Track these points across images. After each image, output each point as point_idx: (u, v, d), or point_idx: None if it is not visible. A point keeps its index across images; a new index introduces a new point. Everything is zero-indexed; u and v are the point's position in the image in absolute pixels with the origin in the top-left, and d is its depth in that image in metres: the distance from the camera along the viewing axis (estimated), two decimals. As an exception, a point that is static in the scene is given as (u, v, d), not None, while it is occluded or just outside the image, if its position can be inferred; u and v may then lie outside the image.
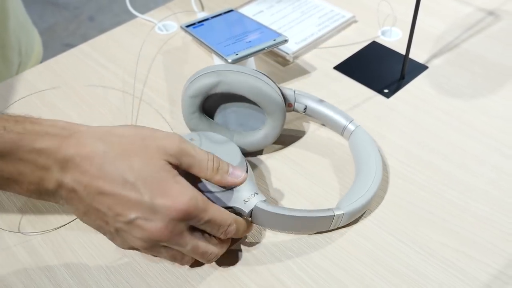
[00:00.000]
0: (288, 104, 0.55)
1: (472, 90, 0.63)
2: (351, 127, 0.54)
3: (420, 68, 0.66)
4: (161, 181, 0.41)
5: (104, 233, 0.43)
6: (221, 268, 0.46)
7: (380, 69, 0.67)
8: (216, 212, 0.43)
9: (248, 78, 0.51)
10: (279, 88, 0.53)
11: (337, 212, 0.46)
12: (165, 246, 0.42)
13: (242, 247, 0.47)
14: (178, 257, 0.44)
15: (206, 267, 0.46)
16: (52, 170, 0.40)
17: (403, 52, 0.63)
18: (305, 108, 0.56)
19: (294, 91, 0.55)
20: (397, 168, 0.54)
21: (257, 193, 0.46)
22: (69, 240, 0.48)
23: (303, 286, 0.44)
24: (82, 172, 0.40)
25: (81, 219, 0.43)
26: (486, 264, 0.45)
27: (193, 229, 0.43)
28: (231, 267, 0.46)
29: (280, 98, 0.52)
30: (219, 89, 0.51)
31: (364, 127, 0.58)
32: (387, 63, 0.67)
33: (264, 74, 0.52)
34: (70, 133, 0.41)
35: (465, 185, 0.52)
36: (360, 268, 0.46)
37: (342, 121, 0.55)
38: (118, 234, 0.42)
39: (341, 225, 0.48)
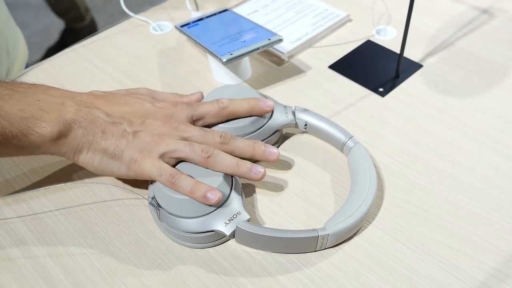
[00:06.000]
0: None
1: (467, 88, 0.63)
2: (350, 143, 0.53)
3: (414, 66, 0.66)
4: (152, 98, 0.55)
5: (124, 149, 0.48)
6: (216, 268, 0.46)
7: (375, 68, 0.67)
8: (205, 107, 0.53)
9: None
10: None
11: (321, 233, 0.45)
12: (178, 140, 0.49)
13: (237, 246, 0.47)
14: (196, 148, 0.48)
15: (199, 266, 0.46)
16: (67, 101, 0.49)
17: (398, 50, 0.63)
18: (305, 125, 0.56)
19: (294, 108, 0.56)
20: (392, 167, 0.54)
21: (240, 213, 0.46)
22: (65, 242, 0.48)
23: (299, 286, 0.44)
24: (91, 97, 0.50)
25: (100, 144, 0.48)
26: (482, 262, 0.46)
27: None
28: (226, 266, 0.46)
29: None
30: None
31: (359, 126, 0.58)
32: (382, 62, 0.67)
33: None
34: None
35: (460, 183, 0.52)
36: (356, 267, 0.46)
37: (342, 137, 0.54)
38: (136, 137, 0.48)
39: (328, 246, 0.47)
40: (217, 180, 0.47)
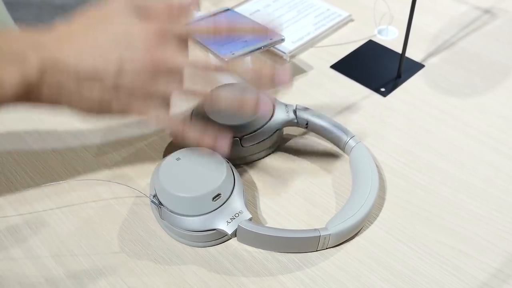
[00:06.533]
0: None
1: (468, 88, 0.63)
2: (352, 142, 0.53)
3: (416, 66, 0.66)
4: (128, 14, 0.44)
5: (109, 105, 0.43)
6: (217, 267, 0.46)
7: (376, 67, 0.67)
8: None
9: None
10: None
11: (323, 233, 0.45)
12: (163, 76, 0.43)
13: (239, 245, 0.47)
14: (176, 83, 0.43)
15: (201, 266, 0.46)
16: (29, 55, 0.40)
17: (400, 50, 0.63)
18: (306, 124, 0.56)
19: (295, 106, 0.55)
20: (394, 167, 0.54)
21: (241, 212, 0.46)
22: (66, 241, 0.48)
23: (301, 286, 0.44)
24: (56, 42, 0.42)
25: (81, 103, 0.43)
26: (483, 262, 0.46)
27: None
28: (228, 266, 0.46)
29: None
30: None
31: (360, 126, 0.58)
32: (384, 62, 0.67)
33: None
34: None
35: (461, 183, 0.52)
36: (358, 266, 0.46)
37: (343, 136, 0.54)
38: (119, 91, 0.42)
39: (330, 245, 0.47)
40: (219, 179, 0.47)
